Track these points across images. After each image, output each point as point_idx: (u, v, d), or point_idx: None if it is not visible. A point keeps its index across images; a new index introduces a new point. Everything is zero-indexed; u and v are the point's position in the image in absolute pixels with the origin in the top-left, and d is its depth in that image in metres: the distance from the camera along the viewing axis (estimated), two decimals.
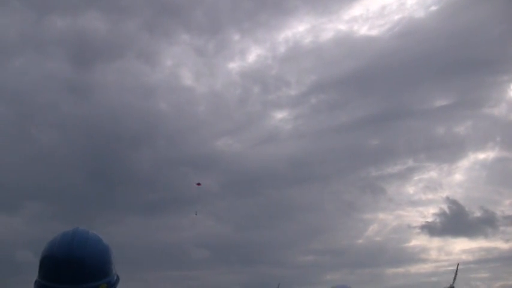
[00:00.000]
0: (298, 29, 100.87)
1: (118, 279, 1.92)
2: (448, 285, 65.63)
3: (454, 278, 66.87)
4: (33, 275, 1.89)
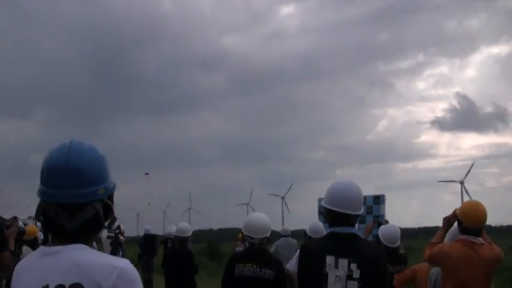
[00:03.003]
0: None
1: (115, 186, 2.02)
2: (458, 180, 66.80)
3: (466, 174, 68.03)
4: None
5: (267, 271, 5.05)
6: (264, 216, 5.45)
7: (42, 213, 1.94)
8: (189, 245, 9.40)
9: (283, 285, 5.22)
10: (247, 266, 5.08)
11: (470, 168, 68.60)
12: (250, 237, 5.22)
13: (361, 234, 3.90)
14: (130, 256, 15.90)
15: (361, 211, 3.84)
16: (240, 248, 13.15)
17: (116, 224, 15.05)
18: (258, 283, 5.03)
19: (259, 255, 5.19)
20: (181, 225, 9.45)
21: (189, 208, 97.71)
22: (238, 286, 5.15)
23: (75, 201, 1.88)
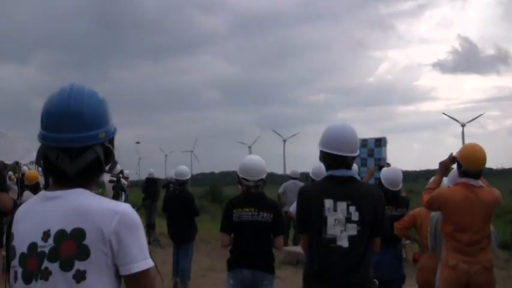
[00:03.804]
0: None
1: (115, 130, 2.02)
2: (461, 123, 67.64)
3: (472, 120, 68.81)
4: None
5: (265, 214, 5.08)
6: (259, 158, 5.43)
7: (43, 158, 1.94)
8: (189, 188, 9.43)
9: (280, 227, 5.27)
10: (244, 210, 5.11)
11: (478, 116, 69.05)
12: (246, 180, 5.21)
13: (358, 177, 3.91)
14: (133, 200, 16.08)
15: (357, 153, 3.84)
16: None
17: (119, 168, 15.14)
18: (257, 227, 5.07)
19: (256, 199, 5.20)
20: (179, 168, 9.45)
21: (191, 152, 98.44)
22: (236, 231, 5.19)
23: (75, 145, 1.87)
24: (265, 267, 5.14)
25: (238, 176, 5.29)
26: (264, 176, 5.27)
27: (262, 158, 5.44)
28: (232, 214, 5.14)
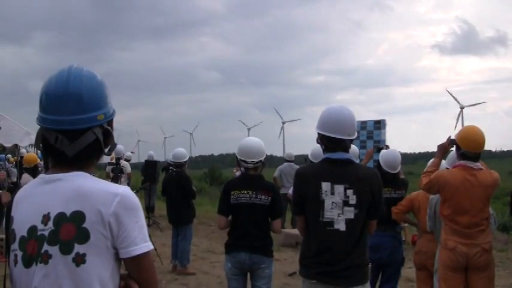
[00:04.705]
0: None
1: (114, 112, 2.02)
2: (460, 105, 67.98)
3: (473, 105, 69.14)
4: None
5: (263, 197, 5.06)
6: (258, 140, 5.39)
7: (42, 140, 1.94)
8: (186, 170, 9.43)
9: (278, 209, 5.23)
10: (242, 192, 5.09)
11: (479, 103, 69.17)
12: (245, 161, 5.20)
13: (356, 160, 3.89)
14: (132, 183, 16.08)
15: (355, 136, 3.81)
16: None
17: (122, 149, 15.15)
18: (254, 209, 5.06)
19: (254, 181, 5.19)
20: (176, 150, 9.45)
21: (191, 134, 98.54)
22: (234, 213, 5.18)
23: (74, 127, 1.87)
24: (263, 251, 5.13)
25: (237, 158, 5.29)
26: (262, 158, 5.25)
27: (261, 140, 5.42)
28: (230, 196, 5.13)
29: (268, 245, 5.21)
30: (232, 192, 5.13)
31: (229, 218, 5.24)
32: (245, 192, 5.09)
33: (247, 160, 5.19)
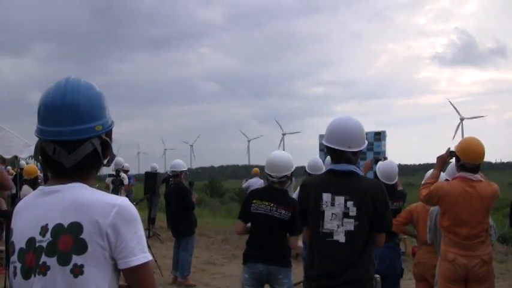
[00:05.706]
0: None
1: (112, 123, 2.02)
2: (461, 116, 68.07)
3: (473, 118, 69.28)
4: None
5: (283, 211, 5.10)
6: (286, 155, 5.45)
7: (41, 152, 1.95)
8: (183, 181, 9.44)
9: (297, 227, 5.12)
10: (263, 203, 5.16)
11: (480, 116, 69.63)
12: (270, 175, 5.28)
13: (360, 172, 3.90)
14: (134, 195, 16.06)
15: (361, 148, 3.78)
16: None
17: (122, 161, 15.13)
18: (273, 222, 5.10)
19: (277, 194, 5.23)
20: (174, 161, 9.51)
21: (191, 145, 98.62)
22: (253, 222, 5.26)
23: (72, 138, 1.87)
24: (280, 261, 5.18)
25: (256, 168, 5.38)
26: (288, 173, 5.31)
27: (264, 151, 5.49)
28: (251, 204, 5.21)
29: (286, 255, 5.26)
30: (254, 201, 5.21)
31: (248, 225, 5.32)
32: (266, 203, 5.16)
33: (272, 174, 5.26)
